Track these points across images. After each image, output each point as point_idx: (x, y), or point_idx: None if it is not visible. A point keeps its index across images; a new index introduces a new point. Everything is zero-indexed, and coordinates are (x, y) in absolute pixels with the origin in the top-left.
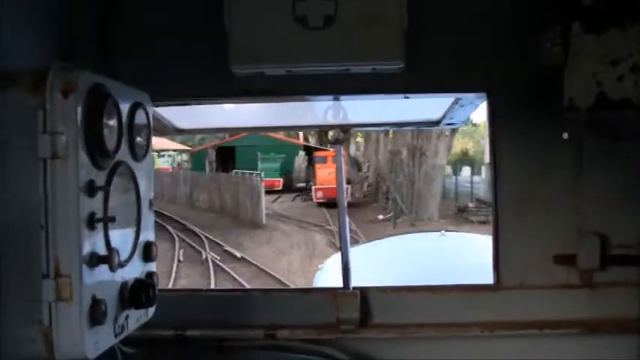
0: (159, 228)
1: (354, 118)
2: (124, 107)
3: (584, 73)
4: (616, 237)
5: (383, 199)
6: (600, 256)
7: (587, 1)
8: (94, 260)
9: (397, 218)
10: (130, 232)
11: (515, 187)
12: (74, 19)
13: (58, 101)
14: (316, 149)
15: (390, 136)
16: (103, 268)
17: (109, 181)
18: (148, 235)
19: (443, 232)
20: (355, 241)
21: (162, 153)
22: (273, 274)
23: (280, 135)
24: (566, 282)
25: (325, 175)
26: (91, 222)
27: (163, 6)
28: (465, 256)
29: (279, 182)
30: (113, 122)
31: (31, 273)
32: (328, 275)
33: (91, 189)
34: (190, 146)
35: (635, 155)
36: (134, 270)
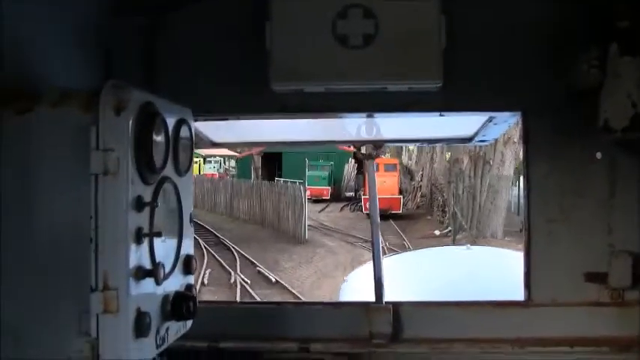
0: None
1: (386, 134)
2: (170, 123)
3: (620, 95)
4: None
5: (439, 212)
6: (632, 274)
7: (624, 24)
8: (140, 274)
9: (457, 234)
10: (171, 246)
11: (548, 205)
12: (119, 34)
13: (110, 118)
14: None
15: None
16: (148, 281)
17: (155, 197)
18: (188, 248)
19: (468, 245)
20: None
21: (208, 159)
22: None
23: None
24: (597, 300)
25: (377, 184)
26: (139, 236)
27: (205, 22)
28: (491, 270)
29: (327, 191)
30: (161, 139)
31: (80, 286)
32: (353, 288)
33: (139, 204)
34: (238, 152)
35: None
36: (175, 283)
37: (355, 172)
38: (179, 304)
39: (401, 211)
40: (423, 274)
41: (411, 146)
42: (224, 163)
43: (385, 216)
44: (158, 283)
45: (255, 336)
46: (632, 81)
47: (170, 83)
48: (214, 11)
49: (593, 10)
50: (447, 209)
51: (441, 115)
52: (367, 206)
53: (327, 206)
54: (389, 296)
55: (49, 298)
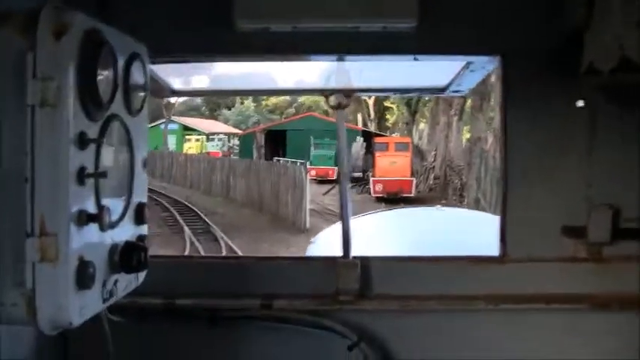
0: (174, 229)
1: (357, 83)
2: (121, 57)
3: (608, 35)
4: (628, 210)
5: (455, 196)
6: (611, 229)
7: None
8: (83, 218)
9: None
10: (121, 192)
11: (526, 156)
12: None
13: (49, 44)
14: (376, 135)
15: (467, 120)
16: (92, 228)
17: (102, 134)
18: (141, 196)
19: (439, 206)
20: None
21: (211, 136)
22: None
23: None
24: (575, 255)
25: (386, 164)
26: (81, 177)
27: None
28: (462, 232)
29: (333, 171)
30: (108, 71)
31: (15, 231)
32: (321, 250)
33: (82, 141)
34: (242, 130)
35: None
36: (125, 232)
37: (363, 151)
38: (129, 255)
39: (413, 194)
40: (393, 233)
41: (422, 124)
42: (228, 141)
43: (396, 199)
44: (103, 229)
45: (214, 292)
46: (620, 20)
47: (125, 18)
48: None
49: None
50: (465, 193)
51: (415, 59)
52: (375, 189)
53: (332, 187)
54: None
55: None
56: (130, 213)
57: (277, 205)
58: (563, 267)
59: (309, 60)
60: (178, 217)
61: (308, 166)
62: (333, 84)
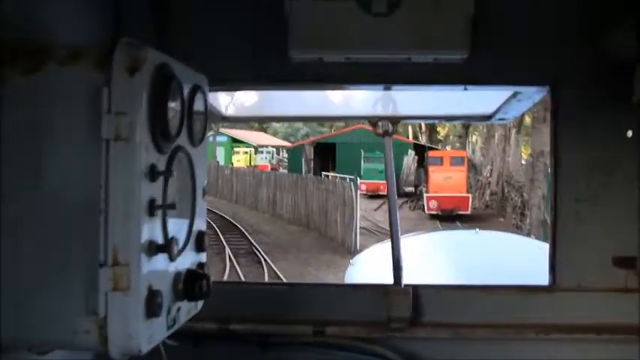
0: (215, 249)
1: (403, 110)
2: (185, 89)
3: None
4: None
5: (515, 215)
6: None
7: None
8: (153, 249)
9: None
10: (184, 221)
11: (576, 185)
12: None
13: (123, 79)
14: (430, 148)
15: (528, 133)
16: (160, 258)
17: (169, 166)
18: (201, 224)
19: (477, 230)
20: None
21: (260, 149)
22: None
23: None
24: (625, 286)
25: (441, 180)
26: (152, 209)
27: None
28: (502, 256)
29: (384, 186)
30: (176, 104)
31: (89, 261)
32: (360, 271)
33: (152, 173)
34: (291, 142)
35: None
36: (186, 260)
37: (415, 165)
38: (192, 283)
39: (469, 212)
40: (435, 258)
41: (476, 136)
42: (277, 153)
43: (451, 217)
44: (172, 259)
45: (267, 318)
46: None
47: (182, 48)
48: None
49: None
50: (526, 212)
51: (465, 89)
52: (429, 206)
53: (384, 203)
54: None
55: (56, 272)
56: (192, 241)
57: (325, 223)
58: (613, 297)
59: (361, 89)
60: (221, 236)
61: (358, 181)
62: (380, 111)
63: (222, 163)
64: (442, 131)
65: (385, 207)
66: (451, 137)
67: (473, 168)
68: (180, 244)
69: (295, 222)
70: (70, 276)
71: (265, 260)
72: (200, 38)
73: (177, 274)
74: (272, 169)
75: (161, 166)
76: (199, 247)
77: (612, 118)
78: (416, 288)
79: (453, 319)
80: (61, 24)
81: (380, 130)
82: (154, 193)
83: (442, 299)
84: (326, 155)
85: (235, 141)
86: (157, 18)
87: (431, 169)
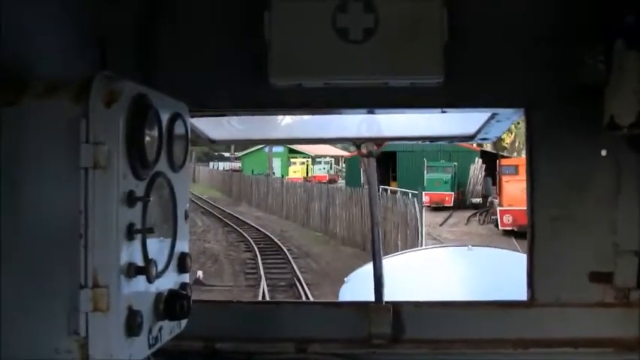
0: (250, 279)
1: (387, 132)
2: (164, 118)
3: (626, 91)
4: None
5: None
6: (637, 274)
7: (630, 19)
8: (132, 271)
9: None
10: (165, 243)
11: (552, 203)
12: (115, 21)
13: (100, 111)
14: (502, 157)
15: None
16: (140, 279)
17: (148, 192)
18: (183, 246)
19: (470, 246)
20: None
21: (318, 159)
22: None
23: None
24: (602, 300)
25: (516, 191)
26: (130, 232)
27: (201, 15)
28: (493, 272)
29: (449, 197)
30: (154, 133)
31: (69, 283)
32: (354, 289)
33: (130, 199)
34: (350, 151)
35: None
36: (169, 281)
37: (483, 173)
38: (172, 303)
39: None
40: (422, 275)
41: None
42: (336, 163)
43: (521, 233)
44: (150, 280)
45: (252, 336)
46: (638, 76)
47: (165, 77)
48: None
49: (598, 4)
50: None
51: (443, 112)
52: (504, 221)
53: (449, 216)
54: (388, 296)
55: (37, 295)
56: (174, 262)
57: (384, 245)
58: (590, 312)
59: (341, 113)
60: (260, 262)
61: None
62: (364, 133)
63: (277, 174)
64: (507, 138)
65: (451, 221)
66: (517, 144)
67: None
68: (162, 265)
69: (350, 242)
70: (52, 297)
71: (307, 297)
72: (183, 66)
73: (159, 295)
74: (330, 180)
75: (140, 192)
76: (182, 269)
77: (586, 138)
78: (396, 305)
79: (433, 335)
80: (46, 57)
81: (364, 151)
82: (132, 217)
83: (422, 316)
84: (386, 165)
85: (292, 151)
86: (142, 47)
87: (505, 179)
